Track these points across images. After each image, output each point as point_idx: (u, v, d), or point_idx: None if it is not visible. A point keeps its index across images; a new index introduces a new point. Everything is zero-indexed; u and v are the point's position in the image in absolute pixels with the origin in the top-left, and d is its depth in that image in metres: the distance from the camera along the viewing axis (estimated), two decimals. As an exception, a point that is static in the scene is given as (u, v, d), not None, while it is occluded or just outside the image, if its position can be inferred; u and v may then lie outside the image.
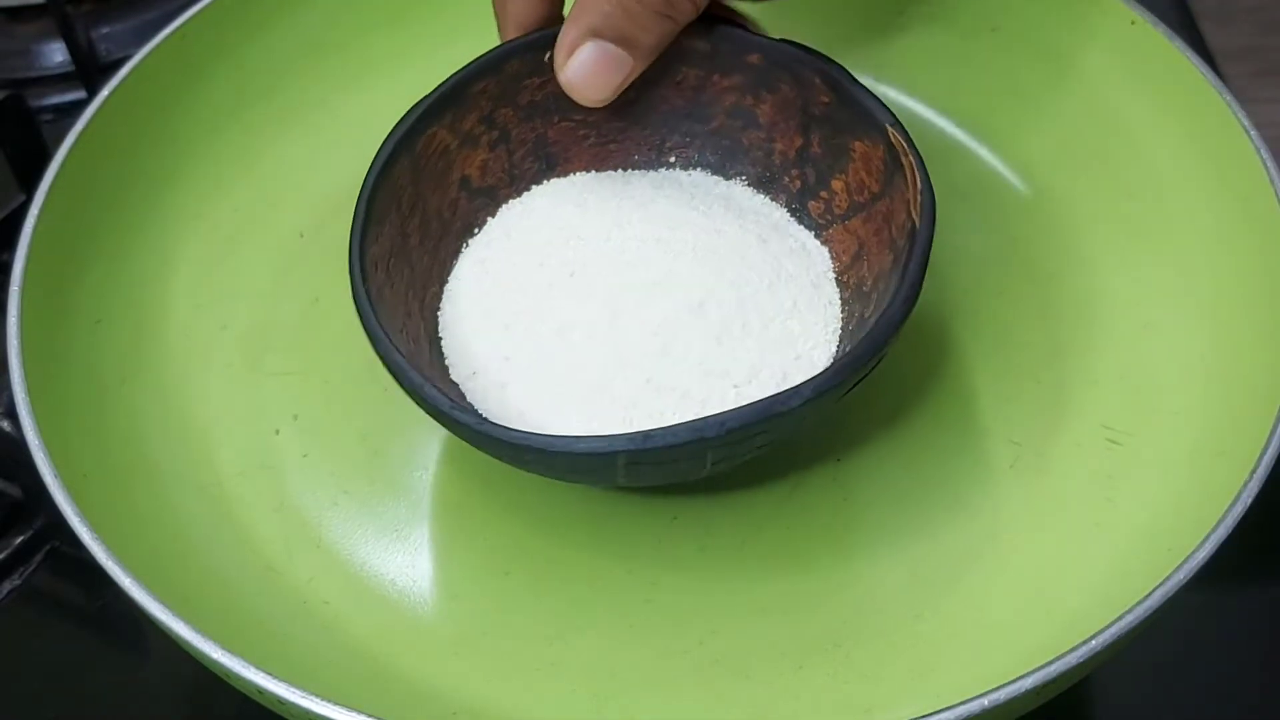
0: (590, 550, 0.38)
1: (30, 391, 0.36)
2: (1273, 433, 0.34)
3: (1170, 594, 0.31)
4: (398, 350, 0.34)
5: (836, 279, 0.39)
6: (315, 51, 0.47)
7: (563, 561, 0.38)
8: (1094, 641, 0.31)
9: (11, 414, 0.39)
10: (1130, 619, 0.31)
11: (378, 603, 0.37)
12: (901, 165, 0.37)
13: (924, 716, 0.29)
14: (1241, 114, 0.40)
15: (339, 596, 0.37)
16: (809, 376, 0.33)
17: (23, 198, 0.48)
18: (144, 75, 0.43)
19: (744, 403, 0.32)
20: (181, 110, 0.44)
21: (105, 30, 0.56)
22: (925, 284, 0.43)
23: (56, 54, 0.56)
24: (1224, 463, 0.35)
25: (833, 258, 0.39)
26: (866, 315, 0.37)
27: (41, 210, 0.39)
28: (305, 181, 0.45)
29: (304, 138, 0.46)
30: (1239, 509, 0.33)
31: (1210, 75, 0.41)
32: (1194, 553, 0.32)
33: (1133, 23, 0.43)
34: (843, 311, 0.38)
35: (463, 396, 0.37)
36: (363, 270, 0.36)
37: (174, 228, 0.43)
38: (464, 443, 0.35)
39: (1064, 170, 0.45)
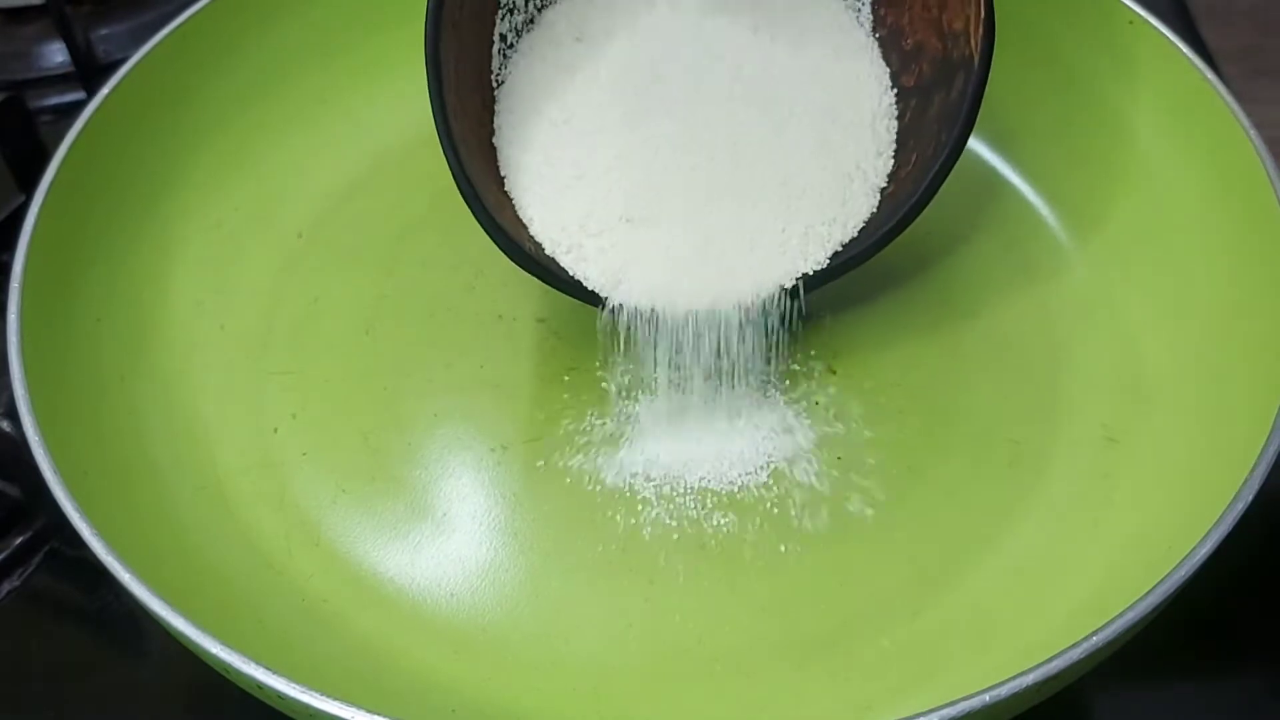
0: (590, 547, 0.38)
1: (30, 390, 0.36)
2: (1272, 432, 0.34)
3: (1170, 592, 0.31)
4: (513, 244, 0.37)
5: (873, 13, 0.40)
6: (314, 52, 0.47)
7: (562, 558, 0.38)
8: (1095, 638, 0.31)
9: (11, 414, 0.39)
10: (1130, 616, 0.31)
11: (377, 600, 0.37)
12: None
13: (924, 713, 0.29)
14: (1241, 114, 0.40)
15: (338, 594, 0.37)
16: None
17: (22, 198, 0.48)
18: (143, 75, 0.43)
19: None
20: (180, 110, 0.44)
21: (105, 31, 0.56)
22: (924, 283, 0.43)
23: (56, 55, 0.56)
24: (1222, 462, 0.35)
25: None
26: (909, 85, 0.39)
27: (41, 210, 0.39)
28: (304, 181, 0.46)
29: (303, 138, 0.46)
30: (1239, 507, 0.33)
31: (1210, 75, 0.41)
32: (1193, 551, 0.32)
33: (1131, 22, 0.43)
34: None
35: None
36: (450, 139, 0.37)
37: (173, 227, 0.43)
38: (462, 438, 0.37)
39: (1064, 169, 0.45)
